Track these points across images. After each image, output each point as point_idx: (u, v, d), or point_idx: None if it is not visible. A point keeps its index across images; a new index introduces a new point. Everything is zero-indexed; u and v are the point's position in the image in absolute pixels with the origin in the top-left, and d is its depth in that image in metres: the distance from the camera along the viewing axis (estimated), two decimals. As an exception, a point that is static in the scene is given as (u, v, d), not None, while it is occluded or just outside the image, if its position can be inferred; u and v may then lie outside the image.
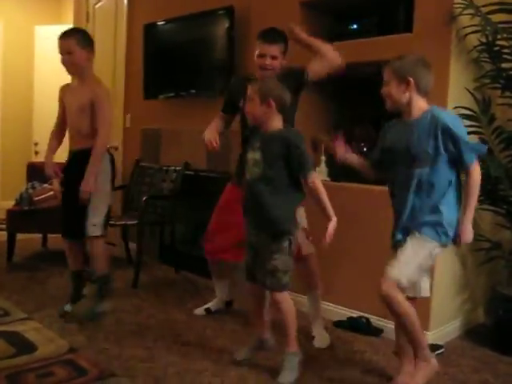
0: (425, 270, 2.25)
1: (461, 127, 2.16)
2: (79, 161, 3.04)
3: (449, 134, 2.10)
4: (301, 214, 2.70)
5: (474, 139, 2.98)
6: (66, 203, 3.20)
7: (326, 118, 3.60)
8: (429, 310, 2.87)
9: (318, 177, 2.43)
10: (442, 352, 2.84)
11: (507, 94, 2.98)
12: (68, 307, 3.17)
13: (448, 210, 2.17)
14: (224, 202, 3.07)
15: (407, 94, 2.18)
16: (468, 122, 2.93)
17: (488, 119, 2.98)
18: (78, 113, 3.02)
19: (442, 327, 3.01)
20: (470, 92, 2.93)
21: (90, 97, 2.97)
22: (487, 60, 2.96)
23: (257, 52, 2.83)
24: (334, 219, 2.29)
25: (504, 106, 3.04)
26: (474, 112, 2.95)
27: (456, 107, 2.87)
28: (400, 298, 2.14)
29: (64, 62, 3.02)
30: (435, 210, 2.16)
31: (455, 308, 3.14)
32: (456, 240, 2.21)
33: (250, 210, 2.43)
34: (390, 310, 2.19)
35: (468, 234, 2.20)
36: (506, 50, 2.90)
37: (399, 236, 2.23)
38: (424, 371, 2.23)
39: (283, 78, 2.57)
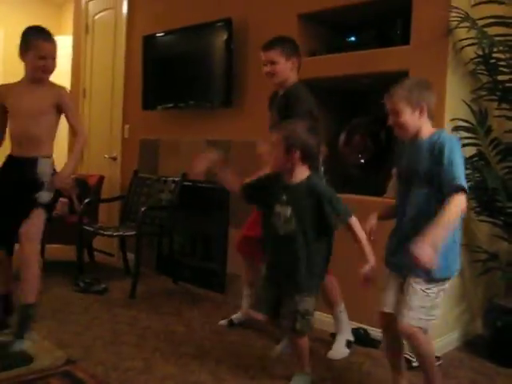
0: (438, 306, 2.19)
1: (457, 151, 2.06)
2: (22, 168, 2.86)
3: (444, 155, 2.02)
4: None
5: (471, 151, 3.00)
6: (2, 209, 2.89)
7: (324, 129, 3.61)
8: (427, 321, 2.87)
9: None
10: (440, 364, 2.83)
11: (504, 105, 3.00)
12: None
13: (446, 247, 2.03)
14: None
15: (421, 120, 2.13)
16: (465, 134, 2.96)
17: (485, 131, 3.00)
18: (32, 117, 2.82)
19: (440, 339, 3.00)
20: (466, 104, 2.96)
21: (53, 99, 2.85)
22: (484, 72, 2.98)
23: None
24: (372, 263, 2.20)
25: (501, 118, 3.06)
26: (471, 124, 2.96)
27: (453, 119, 2.89)
28: (424, 339, 2.13)
29: (47, 67, 2.85)
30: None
31: (453, 319, 3.14)
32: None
33: (280, 265, 2.37)
34: (413, 349, 2.22)
35: (420, 251, 1.88)
36: (502, 63, 2.93)
37: (396, 257, 2.19)
38: None
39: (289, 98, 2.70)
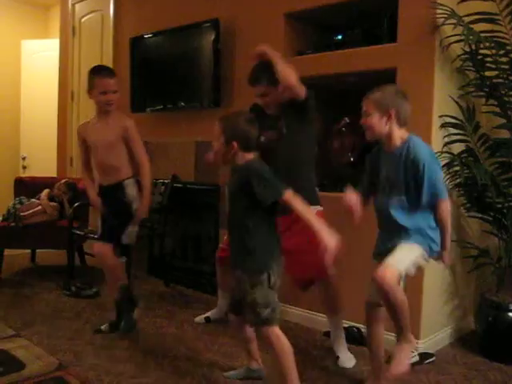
0: (415, 267, 2.26)
1: (436, 165, 2.24)
2: (113, 193, 3.17)
3: (425, 172, 2.17)
4: None
5: (460, 147, 3.01)
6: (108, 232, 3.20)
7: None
8: (419, 318, 2.87)
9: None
10: (433, 360, 2.84)
11: (491, 101, 3.00)
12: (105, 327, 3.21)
13: (433, 231, 2.26)
14: None
15: (388, 126, 2.24)
16: (453, 130, 2.97)
17: (473, 127, 3.01)
18: (109, 149, 3.11)
19: (433, 335, 3.01)
20: (454, 100, 2.96)
21: (119, 131, 3.09)
22: (471, 69, 2.99)
23: None
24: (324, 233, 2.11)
25: (488, 114, 3.07)
26: (460, 120, 2.97)
27: (441, 116, 2.90)
28: (400, 287, 2.19)
29: (111, 100, 3.10)
30: (421, 230, 2.24)
31: (446, 316, 3.15)
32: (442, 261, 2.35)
33: (233, 244, 2.35)
34: (386, 297, 2.17)
35: (448, 259, 2.34)
36: (489, 59, 2.93)
37: (388, 244, 2.27)
38: (408, 351, 2.31)
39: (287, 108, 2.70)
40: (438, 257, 2.32)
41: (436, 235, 2.26)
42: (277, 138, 2.78)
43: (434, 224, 2.25)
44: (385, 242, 2.32)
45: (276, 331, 2.24)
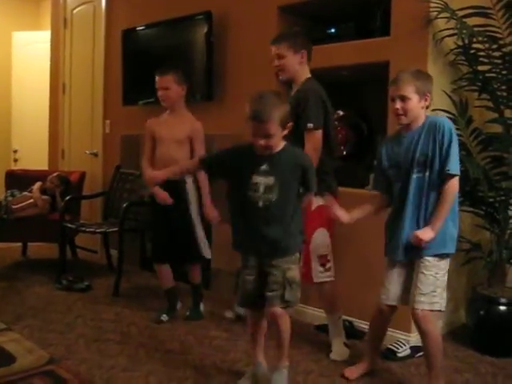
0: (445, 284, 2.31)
1: (454, 134, 2.21)
2: (174, 190, 3.21)
3: (446, 138, 2.17)
4: (321, 240, 2.70)
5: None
6: (161, 230, 3.32)
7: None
8: (411, 311, 2.88)
9: None
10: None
11: (484, 96, 3.00)
12: (165, 317, 3.30)
13: (451, 223, 2.26)
14: None
15: (423, 109, 2.26)
16: (446, 125, 2.96)
17: (466, 121, 3.01)
18: (176, 145, 3.22)
19: (424, 329, 3.01)
20: (447, 94, 2.96)
21: (188, 131, 3.23)
22: (464, 63, 2.99)
23: None
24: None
25: (481, 108, 3.07)
26: (452, 114, 2.97)
27: (434, 109, 2.89)
28: (435, 322, 2.29)
29: (161, 96, 3.26)
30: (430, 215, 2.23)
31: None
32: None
33: (258, 238, 2.27)
34: (422, 333, 2.30)
35: (423, 234, 2.21)
36: (481, 53, 2.94)
37: (400, 256, 2.31)
38: None
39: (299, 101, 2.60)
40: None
41: (454, 229, 2.27)
42: None
43: (453, 211, 2.25)
44: (403, 239, 2.28)
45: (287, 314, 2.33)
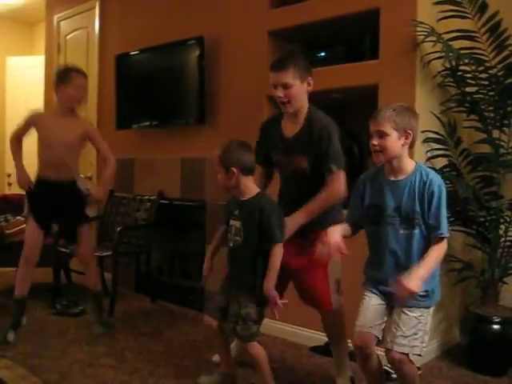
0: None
1: (444, 193, 2.07)
2: (65, 190, 3.33)
3: (434, 196, 2.04)
4: (337, 264, 2.52)
5: (442, 162, 3.05)
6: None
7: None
8: (405, 332, 2.88)
9: None
10: (419, 374, 2.84)
11: (472, 117, 3.05)
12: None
13: (432, 275, 2.09)
14: None
15: (403, 148, 2.09)
16: (436, 145, 3.01)
17: (454, 142, 3.05)
18: (68, 145, 3.27)
19: (419, 349, 3.02)
20: (436, 116, 3.00)
21: (81, 131, 3.29)
22: (452, 84, 3.04)
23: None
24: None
25: (470, 129, 3.12)
26: (441, 135, 3.01)
27: (423, 131, 2.93)
28: (412, 365, 2.12)
29: (79, 96, 3.29)
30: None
31: (431, 329, 3.14)
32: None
33: (235, 275, 2.48)
34: (398, 375, 2.18)
35: (409, 284, 1.95)
36: (468, 75, 2.99)
37: (381, 287, 2.17)
38: None
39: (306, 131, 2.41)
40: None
41: (434, 284, 2.14)
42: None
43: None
44: (382, 284, 2.16)
45: (258, 345, 2.42)
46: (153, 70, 4.33)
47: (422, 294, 2.06)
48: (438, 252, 2.05)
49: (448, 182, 2.94)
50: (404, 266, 2.07)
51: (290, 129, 2.51)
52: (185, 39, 4.01)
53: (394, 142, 2.06)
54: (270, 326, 3.31)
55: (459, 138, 3.07)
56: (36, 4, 6.08)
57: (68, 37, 5.44)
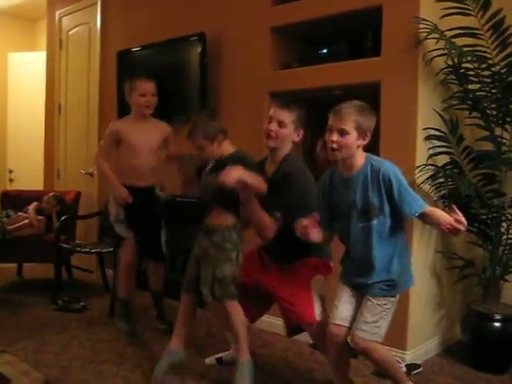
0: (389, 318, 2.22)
1: (401, 177, 2.09)
2: (149, 197, 3.43)
3: (394, 185, 2.06)
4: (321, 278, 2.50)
5: (444, 159, 3.04)
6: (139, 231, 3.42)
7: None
8: (406, 329, 2.89)
9: None
10: (420, 371, 2.86)
11: (475, 114, 3.04)
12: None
13: (398, 264, 2.15)
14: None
15: (359, 147, 2.12)
16: (438, 143, 3.00)
17: (457, 139, 3.05)
18: (153, 150, 3.36)
19: (420, 346, 3.02)
20: (438, 113, 3.00)
21: (163, 135, 3.41)
22: (454, 82, 3.03)
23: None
24: None
25: (472, 127, 3.11)
26: (443, 133, 3.01)
27: (425, 128, 2.93)
28: (380, 349, 2.17)
29: (148, 102, 3.36)
30: (387, 265, 2.14)
31: (433, 326, 3.17)
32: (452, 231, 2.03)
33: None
34: (370, 359, 2.23)
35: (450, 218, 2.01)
36: (471, 73, 2.98)
37: (355, 279, 2.22)
38: None
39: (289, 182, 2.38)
40: (451, 228, 2.01)
41: (402, 269, 2.17)
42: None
43: (404, 251, 2.21)
44: (352, 275, 2.24)
45: (238, 305, 2.52)
46: (154, 67, 4.31)
47: (387, 283, 2.14)
48: (433, 214, 2.05)
49: (450, 179, 2.94)
50: (365, 257, 2.15)
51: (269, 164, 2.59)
52: (187, 35, 4.01)
53: (353, 141, 2.09)
54: (271, 322, 3.32)
55: (461, 135, 3.07)
56: (38, 0, 6.07)
57: (70, 33, 5.44)
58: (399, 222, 2.17)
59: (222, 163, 2.48)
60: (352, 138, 2.08)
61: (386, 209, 2.10)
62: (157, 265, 3.54)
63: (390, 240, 2.15)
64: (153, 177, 3.41)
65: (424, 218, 2.10)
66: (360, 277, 2.19)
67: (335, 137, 2.10)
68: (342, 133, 2.08)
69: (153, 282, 3.56)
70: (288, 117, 2.45)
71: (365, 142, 2.13)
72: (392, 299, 2.19)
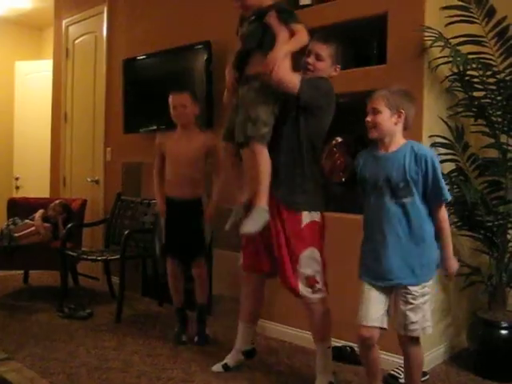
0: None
1: (437, 163, 2.18)
2: (188, 210, 3.35)
3: (428, 167, 2.14)
4: (308, 261, 2.52)
5: (450, 167, 3.05)
6: (172, 229, 3.42)
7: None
8: (412, 337, 2.88)
9: None
10: (427, 379, 2.85)
11: (480, 121, 3.05)
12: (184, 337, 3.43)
13: (430, 247, 2.21)
14: None
15: (396, 126, 2.21)
16: (443, 150, 3.00)
17: (462, 147, 3.05)
18: (191, 163, 3.31)
19: (426, 353, 3.00)
20: (443, 120, 3.00)
21: (204, 147, 3.33)
22: (459, 89, 3.04)
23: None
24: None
25: (477, 134, 3.11)
26: (449, 140, 3.01)
27: (431, 136, 2.94)
28: (421, 347, 2.28)
29: (178, 114, 3.35)
30: (418, 249, 2.18)
31: (439, 334, 3.15)
32: (446, 275, 2.28)
33: None
34: (406, 357, 2.30)
35: (454, 265, 2.25)
36: (476, 80, 2.99)
37: (382, 283, 2.23)
38: None
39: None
40: (441, 269, 2.26)
41: (434, 253, 2.23)
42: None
43: (431, 234, 2.23)
44: (377, 264, 2.23)
45: (265, 149, 2.47)
46: (160, 75, 4.34)
47: (419, 269, 2.18)
48: (446, 223, 2.22)
49: (456, 186, 2.94)
50: (396, 237, 2.18)
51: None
52: (192, 44, 4.04)
53: (386, 119, 2.20)
54: (278, 329, 3.33)
55: (467, 142, 3.08)
56: (44, 9, 6.12)
57: (76, 41, 5.48)
58: (428, 210, 2.21)
59: (261, 13, 2.48)
60: (384, 116, 2.20)
61: (420, 190, 2.17)
62: (198, 262, 3.41)
63: (417, 224, 2.18)
64: (194, 189, 3.33)
65: (440, 222, 2.21)
66: (387, 258, 2.19)
67: (370, 117, 2.24)
68: (375, 112, 2.21)
69: (197, 295, 3.47)
70: (326, 50, 2.55)
71: (401, 120, 2.21)
72: (428, 290, 2.21)
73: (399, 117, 2.20)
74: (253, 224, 2.41)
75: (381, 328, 2.22)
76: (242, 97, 2.57)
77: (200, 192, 3.35)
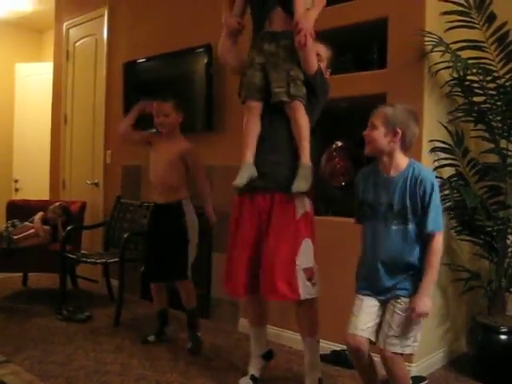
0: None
1: (437, 189, 2.10)
2: (168, 214, 3.35)
3: (426, 191, 2.07)
4: (307, 252, 2.51)
5: (450, 171, 3.05)
6: (153, 251, 3.43)
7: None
8: (411, 341, 2.88)
9: None
10: (426, 384, 2.85)
11: (480, 126, 3.05)
12: (152, 338, 3.46)
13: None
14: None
15: (391, 145, 2.12)
16: (443, 155, 3.01)
17: (462, 152, 3.06)
18: (166, 169, 3.32)
19: (425, 358, 3.01)
20: (443, 125, 3.01)
21: (179, 152, 3.30)
22: (459, 94, 3.05)
23: None
24: None
25: (477, 139, 3.12)
26: (449, 145, 3.02)
27: (431, 140, 2.94)
28: (403, 365, 2.16)
29: (159, 122, 3.36)
30: (409, 265, 2.12)
31: (438, 338, 3.15)
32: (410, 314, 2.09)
33: None
34: (389, 374, 2.17)
35: (423, 307, 2.06)
36: (476, 85, 2.99)
37: (375, 299, 2.19)
38: None
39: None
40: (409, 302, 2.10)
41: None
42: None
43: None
44: (374, 280, 2.18)
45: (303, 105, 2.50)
46: (161, 78, 4.35)
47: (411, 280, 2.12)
48: (436, 256, 2.08)
49: (455, 191, 2.94)
50: (398, 263, 2.12)
51: None
52: (193, 47, 4.04)
53: (381, 136, 2.12)
54: (277, 333, 3.32)
55: (467, 147, 3.08)
56: (45, 11, 6.13)
57: (77, 44, 5.49)
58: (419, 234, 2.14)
59: None
60: (380, 132, 2.13)
61: (418, 215, 2.09)
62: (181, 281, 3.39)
63: (417, 248, 2.12)
64: (173, 193, 3.31)
65: (428, 255, 2.09)
66: (386, 279, 2.14)
67: (367, 130, 2.18)
68: (372, 127, 2.15)
69: (183, 301, 3.43)
70: (325, 52, 2.69)
71: (396, 140, 2.11)
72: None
73: (394, 136, 2.10)
74: (304, 182, 2.44)
75: (370, 340, 2.16)
76: (270, 53, 2.52)
77: (180, 196, 3.32)
